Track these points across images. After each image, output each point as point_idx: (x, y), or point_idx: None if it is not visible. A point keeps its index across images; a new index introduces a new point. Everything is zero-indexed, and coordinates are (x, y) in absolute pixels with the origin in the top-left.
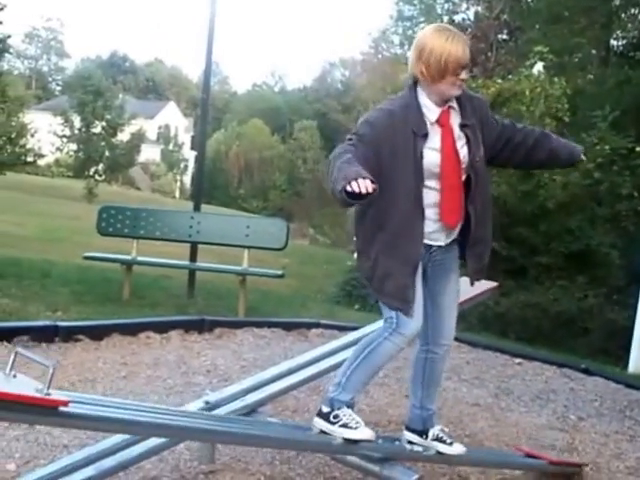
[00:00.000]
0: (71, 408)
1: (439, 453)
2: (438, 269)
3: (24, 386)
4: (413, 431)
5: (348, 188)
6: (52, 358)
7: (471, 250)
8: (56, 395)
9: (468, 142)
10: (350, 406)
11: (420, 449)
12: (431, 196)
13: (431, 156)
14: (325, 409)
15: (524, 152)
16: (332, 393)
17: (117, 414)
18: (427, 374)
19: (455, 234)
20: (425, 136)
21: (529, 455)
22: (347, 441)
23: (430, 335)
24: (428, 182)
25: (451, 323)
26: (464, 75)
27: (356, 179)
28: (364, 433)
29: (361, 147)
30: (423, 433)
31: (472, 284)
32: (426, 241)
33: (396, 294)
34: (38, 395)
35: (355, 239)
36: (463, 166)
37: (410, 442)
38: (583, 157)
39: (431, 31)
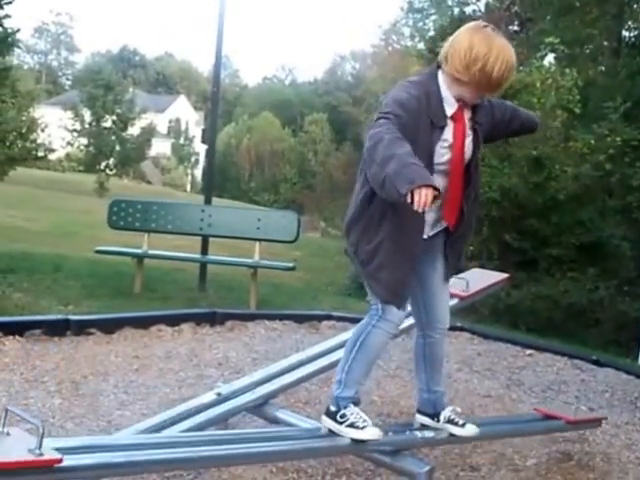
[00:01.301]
0: (66, 462)
1: (452, 435)
2: (424, 256)
3: (17, 446)
4: (425, 414)
5: (415, 197)
6: (39, 420)
7: (452, 247)
8: (48, 454)
9: (475, 139)
10: (356, 402)
11: (432, 434)
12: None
13: (442, 152)
14: (332, 408)
15: (504, 127)
16: (335, 391)
17: (113, 458)
18: (428, 358)
19: (439, 227)
20: (442, 128)
21: (547, 416)
22: (354, 441)
23: (424, 320)
24: (435, 177)
25: (443, 306)
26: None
27: (421, 187)
28: (371, 433)
29: (396, 123)
30: (434, 416)
31: (447, 280)
32: None
33: (391, 287)
34: (31, 458)
35: (354, 221)
36: (465, 163)
37: (423, 425)
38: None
39: (491, 39)
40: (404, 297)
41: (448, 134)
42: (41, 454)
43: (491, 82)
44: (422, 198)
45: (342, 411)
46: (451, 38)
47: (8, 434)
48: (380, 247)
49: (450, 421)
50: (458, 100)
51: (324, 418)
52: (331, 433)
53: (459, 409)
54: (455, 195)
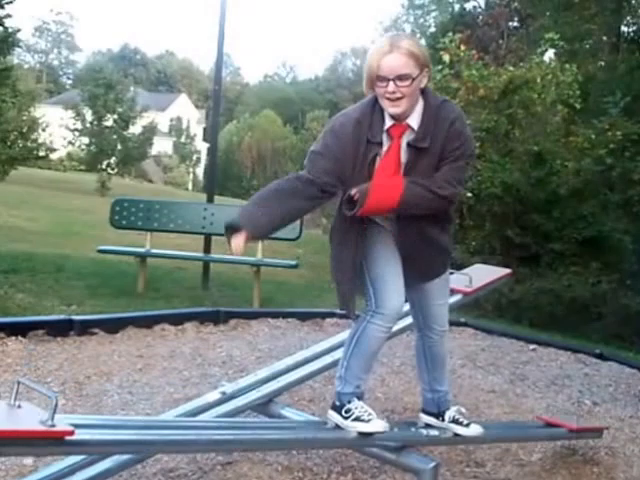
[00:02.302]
0: (77, 436)
1: (456, 435)
2: None
3: (28, 417)
4: (429, 414)
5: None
6: (53, 391)
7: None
8: (61, 425)
9: (409, 166)
10: (359, 396)
11: (437, 433)
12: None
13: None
14: (337, 403)
15: None
16: (337, 388)
17: (125, 435)
18: (429, 359)
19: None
20: (379, 145)
21: (549, 424)
22: (361, 434)
23: (422, 321)
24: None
25: (441, 307)
26: (390, 87)
27: (232, 234)
28: (377, 425)
29: (322, 161)
30: (439, 415)
31: (444, 282)
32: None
33: (340, 300)
34: (42, 428)
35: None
36: (400, 165)
37: (427, 425)
38: None
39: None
40: (350, 307)
41: (383, 150)
42: (53, 425)
43: (371, 70)
44: (232, 246)
45: (347, 406)
46: None
47: (19, 407)
48: (332, 263)
49: (455, 421)
50: (394, 119)
51: (330, 412)
52: (338, 427)
53: (463, 409)
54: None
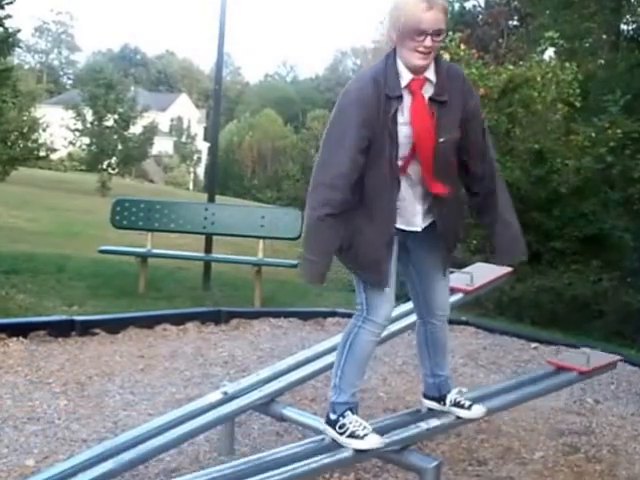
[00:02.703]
0: None
1: (459, 418)
2: (419, 249)
3: None
4: (431, 398)
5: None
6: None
7: (444, 230)
8: None
9: (435, 119)
10: (353, 408)
11: (437, 422)
12: (412, 170)
13: (403, 130)
14: (332, 416)
15: (469, 141)
16: (332, 397)
17: None
18: (430, 345)
19: (431, 218)
20: (399, 99)
21: (560, 368)
22: (357, 451)
23: (424, 310)
24: (402, 153)
25: (443, 294)
26: (428, 42)
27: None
28: (372, 442)
29: (351, 132)
30: (440, 399)
31: (445, 267)
32: (404, 227)
33: (369, 266)
34: None
35: None
36: (435, 140)
37: (429, 410)
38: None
39: None
40: (385, 275)
41: (405, 109)
42: None
43: (409, 24)
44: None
45: (341, 421)
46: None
47: None
48: (355, 231)
49: (456, 404)
50: (415, 74)
51: (326, 427)
52: (334, 442)
53: (464, 389)
54: (434, 166)
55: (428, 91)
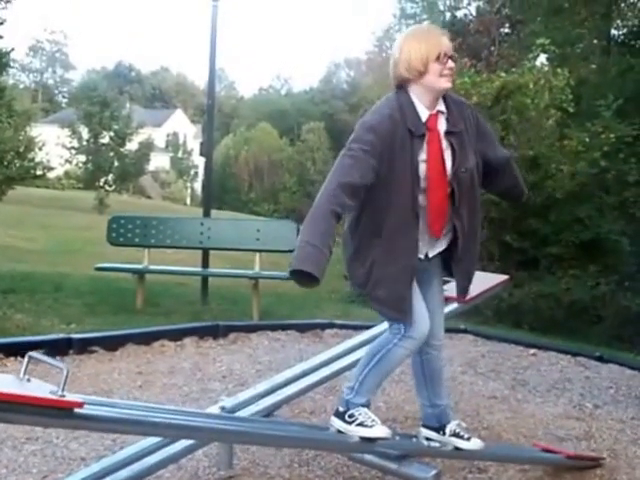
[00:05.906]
0: (86, 410)
1: (457, 449)
2: (420, 276)
3: (38, 389)
4: (429, 428)
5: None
6: (64, 364)
7: (458, 266)
8: (71, 397)
9: (453, 151)
10: (366, 406)
11: (438, 445)
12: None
13: (422, 167)
14: (341, 409)
15: (490, 161)
16: (347, 396)
17: (132, 415)
18: (427, 374)
19: (439, 248)
20: (422, 137)
21: (546, 450)
22: (364, 439)
23: None
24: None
25: (439, 324)
26: (451, 63)
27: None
28: (380, 431)
29: (364, 157)
30: (440, 429)
31: (459, 301)
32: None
33: (392, 304)
34: (52, 397)
35: (347, 246)
36: (447, 178)
37: (428, 439)
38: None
39: (406, 33)
40: (407, 311)
41: (424, 146)
42: (63, 396)
43: (436, 48)
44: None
45: (351, 411)
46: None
47: (29, 381)
48: (373, 266)
49: (456, 434)
50: (431, 108)
51: (333, 419)
52: (340, 433)
53: (464, 424)
54: (438, 210)
55: (442, 124)
